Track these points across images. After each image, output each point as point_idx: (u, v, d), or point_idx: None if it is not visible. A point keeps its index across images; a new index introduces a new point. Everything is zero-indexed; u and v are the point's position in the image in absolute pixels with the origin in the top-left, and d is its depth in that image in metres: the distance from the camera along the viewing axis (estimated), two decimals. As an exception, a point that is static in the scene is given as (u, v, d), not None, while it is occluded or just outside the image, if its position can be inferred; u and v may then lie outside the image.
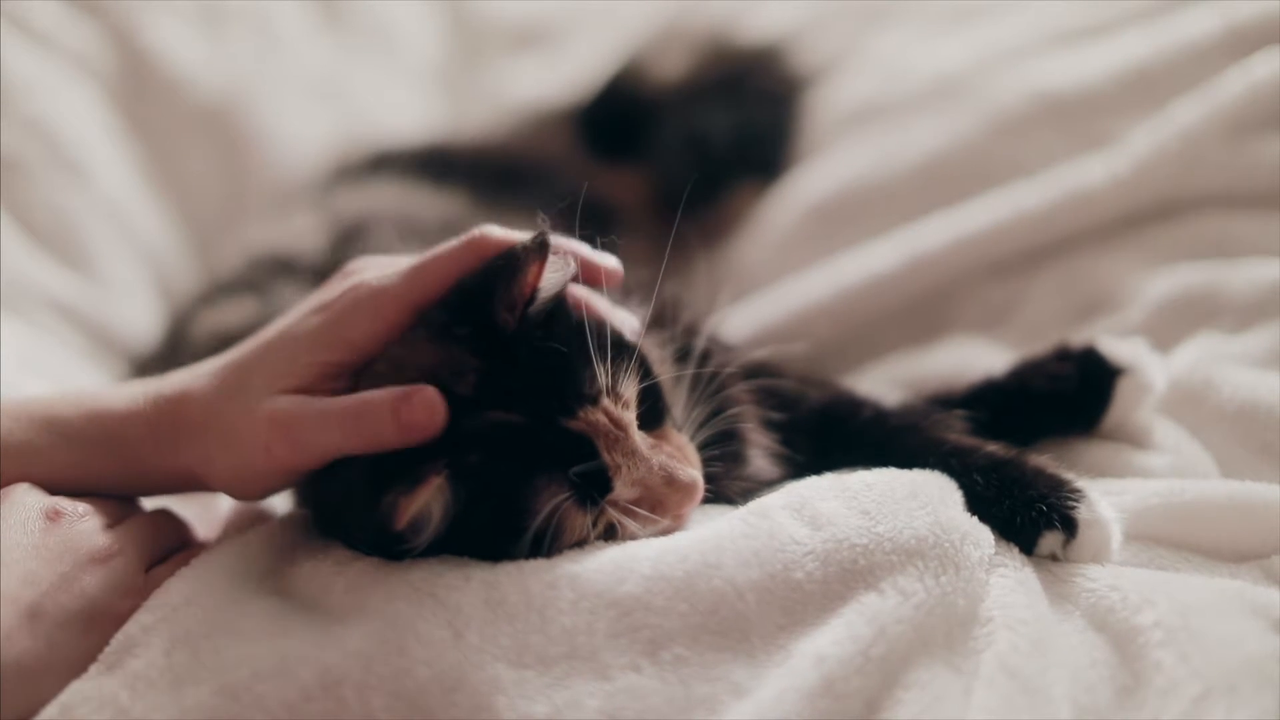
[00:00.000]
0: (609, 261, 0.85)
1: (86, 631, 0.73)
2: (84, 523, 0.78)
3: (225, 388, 0.81)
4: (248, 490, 0.82)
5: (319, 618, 0.73)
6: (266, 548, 0.81)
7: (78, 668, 0.71)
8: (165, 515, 0.86)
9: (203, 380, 0.82)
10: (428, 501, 0.72)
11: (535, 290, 0.77)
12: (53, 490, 0.80)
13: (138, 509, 0.85)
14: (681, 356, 0.88)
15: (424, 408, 0.73)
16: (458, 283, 0.80)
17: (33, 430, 0.82)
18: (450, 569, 0.73)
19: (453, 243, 0.81)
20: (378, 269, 0.83)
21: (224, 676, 0.68)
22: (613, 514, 0.76)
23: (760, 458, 0.88)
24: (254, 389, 0.79)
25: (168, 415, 0.82)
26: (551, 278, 0.78)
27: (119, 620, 0.74)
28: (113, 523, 0.80)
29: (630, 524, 0.76)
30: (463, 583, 0.72)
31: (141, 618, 0.74)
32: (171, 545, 0.83)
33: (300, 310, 0.83)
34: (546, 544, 0.74)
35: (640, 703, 0.66)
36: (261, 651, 0.69)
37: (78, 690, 0.69)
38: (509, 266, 0.77)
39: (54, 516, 0.77)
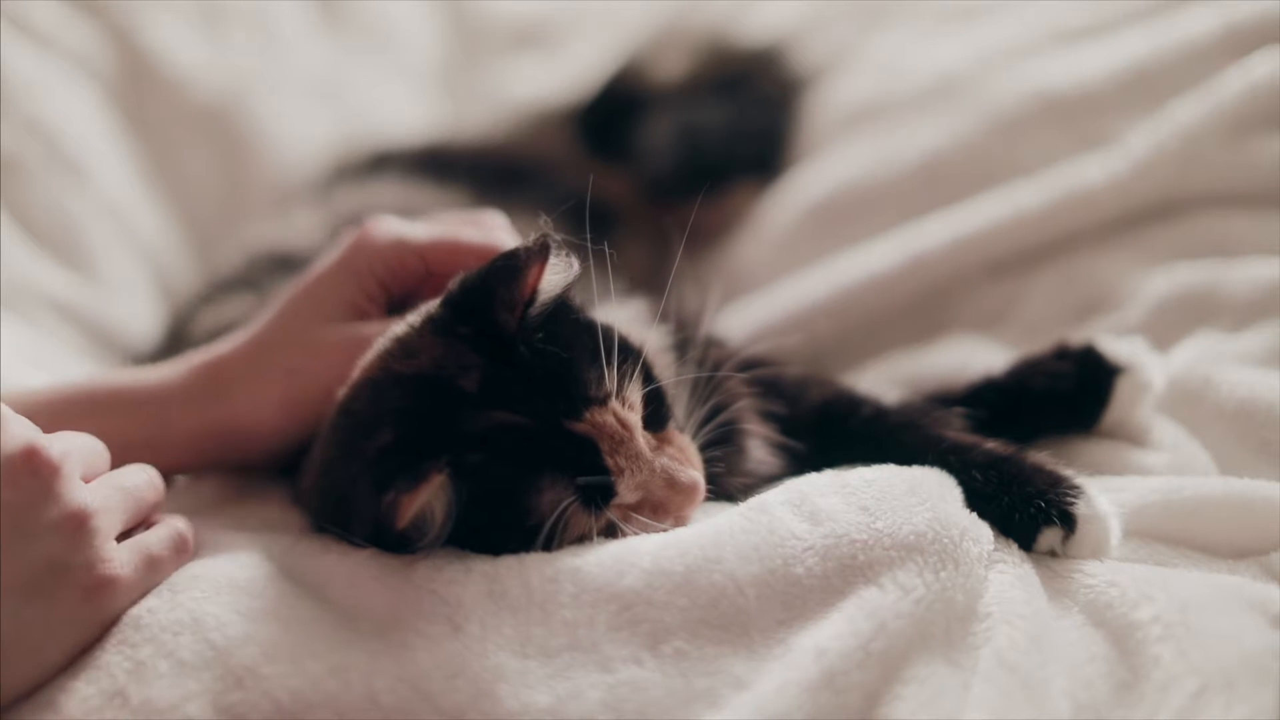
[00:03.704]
0: None
1: (48, 604, 0.69)
2: (59, 482, 0.71)
3: (273, 335, 0.88)
4: (295, 423, 0.87)
5: (325, 610, 0.73)
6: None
7: (43, 642, 0.69)
8: (143, 472, 0.80)
9: (238, 341, 0.89)
10: (429, 500, 0.73)
11: (535, 292, 0.77)
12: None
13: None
14: (682, 356, 0.89)
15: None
16: (461, 280, 0.80)
17: (64, 411, 0.85)
18: (451, 563, 0.73)
19: (475, 238, 0.89)
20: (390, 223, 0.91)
21: (231, 659, 0.68)
22: (615, 519, 0.76)
23: (760, 449, 0.88)
24: (306, 330, 0.87)
25: (204, 377, 0.88)
26: (553, 279, 0.78)
27: (84, 589, 0.70)
28: (90, 474, 0.76)
29: (631, 530, 0.76)
30: (463, 577, 0.72)
31: (149, 601, 0.73)
32: (146, 509, 0.79)
33: (322, 261, 0.91)
34: (553, 545, 0.75)
35: (641, 695, 0.66)
36: (272, 636, 0.70)
37: (83, 665, 0.70)
38: (509, 268, 0.77)
39: (28, 460, 0.70)
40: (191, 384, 0.88)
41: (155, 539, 0.76)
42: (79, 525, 0.71)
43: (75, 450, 0.74)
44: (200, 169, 1.55)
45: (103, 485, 0.75)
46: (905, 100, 1.38)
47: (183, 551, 0.78)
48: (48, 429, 0.74)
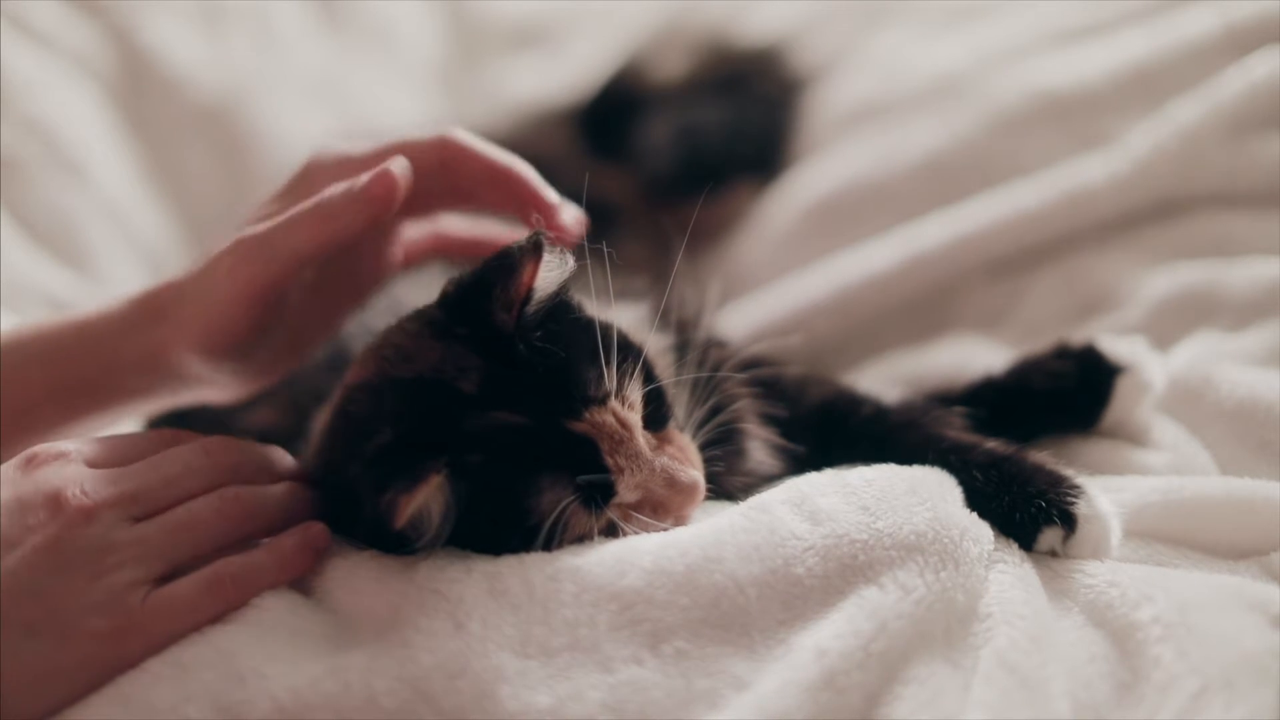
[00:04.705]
0: (568, 213, 0.87)
1: (51, 641, 0.67)
2: (93, 526, 0.69)
3: (202, 258, 0.83)
4: (217, 337, 0.82)
5: (326, 611, 0.73)
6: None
7: (36, 675, 0.67)
8: (234, 502, 0.75)
9: (181, 269, 0.85)
10: (427, 500, 0.73)
11: (531, 290, 0.77)
12: (23, 420, 0.77)
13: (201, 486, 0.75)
14: (682, 356, 0.89)
15: (380, 179, 0.75)
16: (456, 281, 0.80)
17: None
18: (452, 562, 0.73)
19: (423, 136, 0.85)
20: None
21: (232, 660, 0.68)
22: (615, 518, 0.76)
23: (760, 450, 0.88)
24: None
25: (140, 304, 0.83)
26: (548, 277, 0.77)
27: (100, 642, 0.68)
28: (144, 509, 0.72)
29: (631, 529, 0.76)
30: (464, 575, 0.72)
31: None
32: (220, 542, 0.74)
33: (267, 199, 0.88)
34: (553, 544, 0.75)
35: (642, 695, 0.66)
36: (273, 636, 0.70)
37: None
38: (504, 266, 0.77)
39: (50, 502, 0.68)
40: (129, 314, 0.83)
41: (186, 583, 0.71)
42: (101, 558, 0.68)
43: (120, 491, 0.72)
44: (200, 169, 1.55)
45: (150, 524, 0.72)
46: (905, 100, 1.38)
47: (218, 595, 0.72)
48: None
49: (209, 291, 0.81)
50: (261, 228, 0.79)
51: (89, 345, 0.83)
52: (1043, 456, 0.85)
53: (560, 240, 0.80)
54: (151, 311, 0.83)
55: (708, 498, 0.80)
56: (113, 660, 0.69)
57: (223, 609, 0.71)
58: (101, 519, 0.70)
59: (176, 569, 0.72)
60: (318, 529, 0.77)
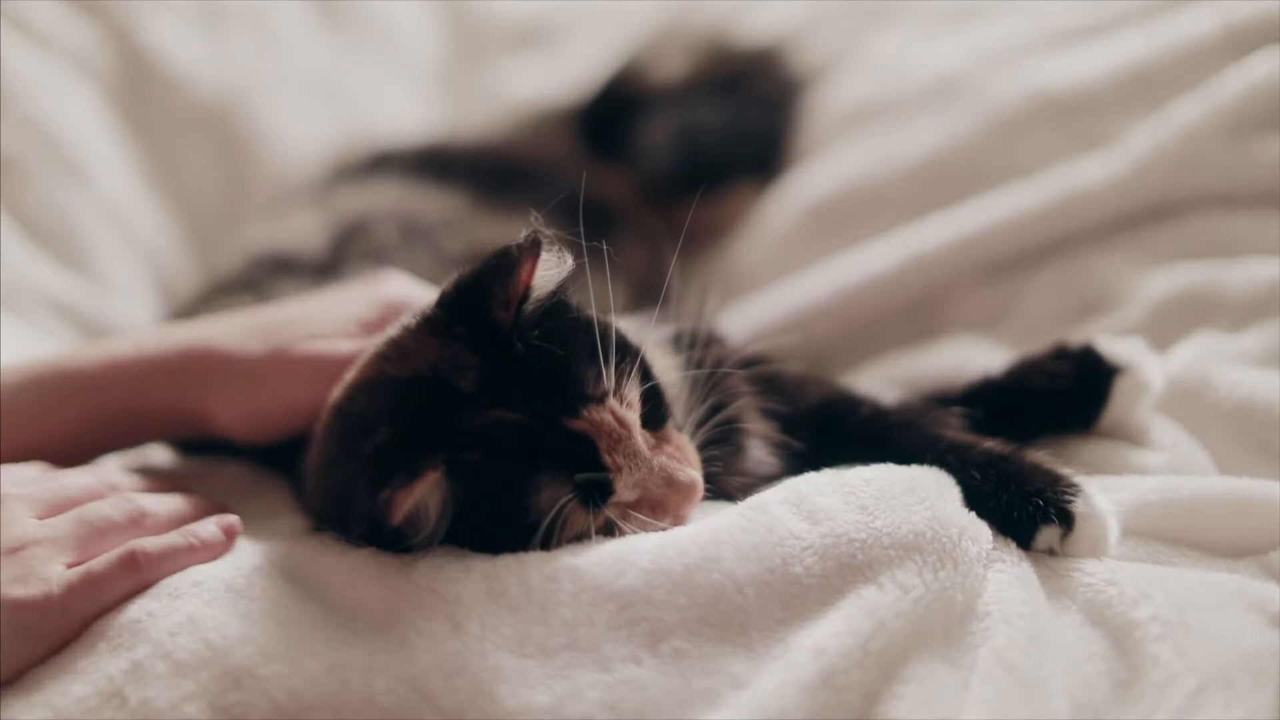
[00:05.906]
0: None
1: None
2: (4, 513, 0.76)
3: (257, 336, 0.87)
4: (260, 430, 0.88)
5: (324, 610, 0.73)
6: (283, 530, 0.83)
7: None
8: (122, 505, 0.80)
9: (232, 330, 0.89)
10: (424, 497, 0.73)
11: (529, 288, 0.77)
12: (57, 448, 0.82)
13: (100, 492, 0.82)
14: (681, 356, 0.89)
15: None
16: (455, 280, 0.80)
17: (40, 390, 0.86)
18: (450, 562, 0.74)
19: None
20: (412, 287, 0.92)
21: (228, 659, 0.68)
22: (613, 517, 0.76)
23: (759, 449, 0.89)
24: (289, 341, 0.86)
25: (184, 358, 0.87)
26: (546, 275, 0.78)
27: (22, 610, 0.71)
28: (49, 511, 0.78)
29: (629, 528, 0.76)
30: (462, 575, 0.72)
31: (147, 604, 0.73)
32: (125, 537, 0.78)
33: (341, 294, 0.91)
34: (551, 543, 0.75)
35: (640, 694, 0.66)
36: (270, 636, 0.70)
37: (80, 668, 0.70)
38: (502, 265, 0.77)
39: None
40: (169, 364, 0.88)
41: (100, 560, 0.76)
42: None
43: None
44: (200, 169, 1.56)
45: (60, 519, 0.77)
46: (905, 100, 1.38)
47: (131, 570, 0.75)
48: (30, 417, 0.81)
49: (271, 390, 0.86)
50: (343, 349, 0.86)
51: (124, 384, 0.87)
52: (1040, 456, 0.85)
53: None
54: (192, 371, 0.87)
55: (706, 497, 0.80)
56: (39, 629, 0.72)
57: (137, 584, 0.75)
58: (11, 508, 0.76)
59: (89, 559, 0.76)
60: (232, 518, 0.81)
